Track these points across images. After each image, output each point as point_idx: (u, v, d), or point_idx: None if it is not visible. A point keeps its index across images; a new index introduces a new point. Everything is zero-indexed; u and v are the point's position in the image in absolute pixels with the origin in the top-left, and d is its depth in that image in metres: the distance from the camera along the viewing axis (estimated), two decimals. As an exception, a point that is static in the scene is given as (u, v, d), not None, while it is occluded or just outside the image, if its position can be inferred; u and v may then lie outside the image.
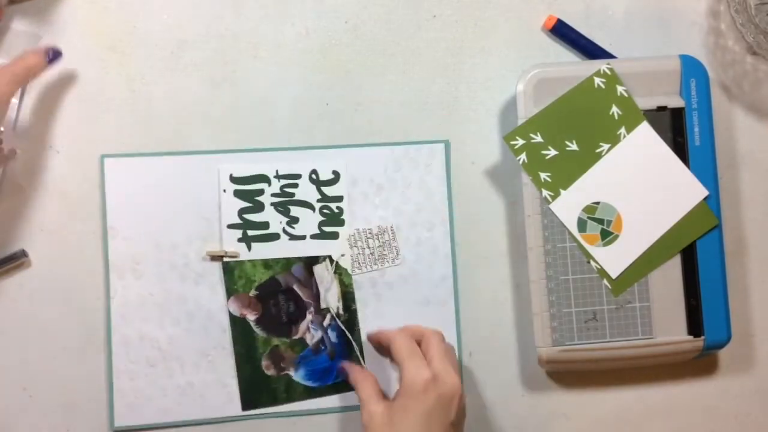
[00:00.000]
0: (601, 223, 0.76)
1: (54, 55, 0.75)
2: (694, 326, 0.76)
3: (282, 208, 0.78)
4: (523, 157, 0.76)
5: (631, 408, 0.80)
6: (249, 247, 0.78)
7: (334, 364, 0.78)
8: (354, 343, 0.78)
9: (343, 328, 0.78)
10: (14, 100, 0.75)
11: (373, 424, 0.68)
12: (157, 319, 0.77)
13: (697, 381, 0.81)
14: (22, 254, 0.76)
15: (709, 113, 0.77)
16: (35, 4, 0.78)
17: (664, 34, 0.82)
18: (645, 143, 0.77)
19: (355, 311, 0.78)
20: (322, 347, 0.78)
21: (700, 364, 0.80)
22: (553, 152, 0.76)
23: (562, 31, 0.81)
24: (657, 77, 0.77)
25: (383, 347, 0.74)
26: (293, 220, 0.78)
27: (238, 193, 0.78)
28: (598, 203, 0.76)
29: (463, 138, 0.80)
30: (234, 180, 0.78)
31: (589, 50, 0.80)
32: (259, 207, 0.78)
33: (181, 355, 0.77)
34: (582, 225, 0.76)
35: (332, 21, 0.80)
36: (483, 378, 0.79)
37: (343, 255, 0.79)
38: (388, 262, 0.79)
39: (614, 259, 0.76)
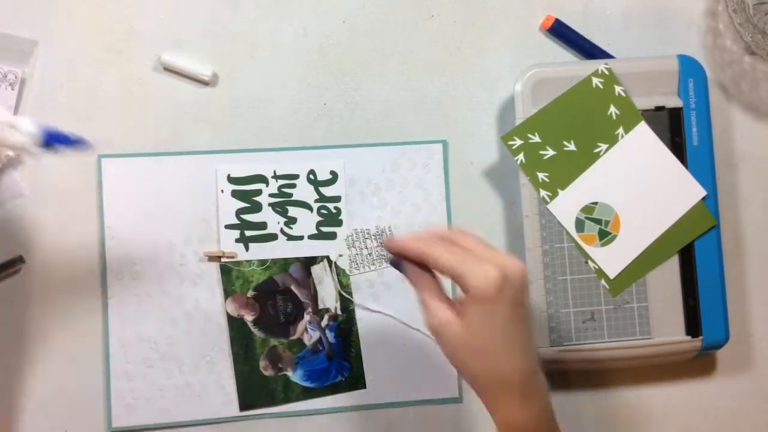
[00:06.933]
0: (599, 223, 0.76)
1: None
2: (693, 326, 0.76)
3: (280, 208, 0.78)
4: (521, 157, 0.76)
5: (629, 408, 0.80)
6: (247, 248, 0.78)
7: (332, 365, 0.78)
8: (352, 344, 0.78)
9: (342, 328, 0.78)
10: (12, 102, 0.75)
11: (449, 334, 0.60)
12: (154, 320, 0.77)
13: (696, 381, 0.81)
14: (20, 260, 0.76)
15: (707, 113, 0.77)
16: (31, 4, 0.77)
17: (662, 34, 0.82)
18: (643, 143, 0.77)
19: (352, 311, 0.78)
20: (320, 347, 0.78)
21: (698, 364, 0.80)
22: (551, 152, 0.76)
23: (560, 31, 0.81)
24: (655, 77, 0.77)
25: (410, 262, 0.64)
26: (291, 221, 0.78)
27: (235, 194, 0.78)
28: (596, 203, 0.76)
29: (461, 138, 0.80)
30: (231, 180, 0.78)
31: (587, 50, 0.80)
32: (256, 207, 0.78)
33: (178, 356, 0.77)
34: (580, 225, 0.76)
35: (330, 21, 0.80)
36: (481, 378, 0.79)
37: (341, 255, 0.79)
38: (386, 262, 0.78)
39: (612, 259, 0.76)
